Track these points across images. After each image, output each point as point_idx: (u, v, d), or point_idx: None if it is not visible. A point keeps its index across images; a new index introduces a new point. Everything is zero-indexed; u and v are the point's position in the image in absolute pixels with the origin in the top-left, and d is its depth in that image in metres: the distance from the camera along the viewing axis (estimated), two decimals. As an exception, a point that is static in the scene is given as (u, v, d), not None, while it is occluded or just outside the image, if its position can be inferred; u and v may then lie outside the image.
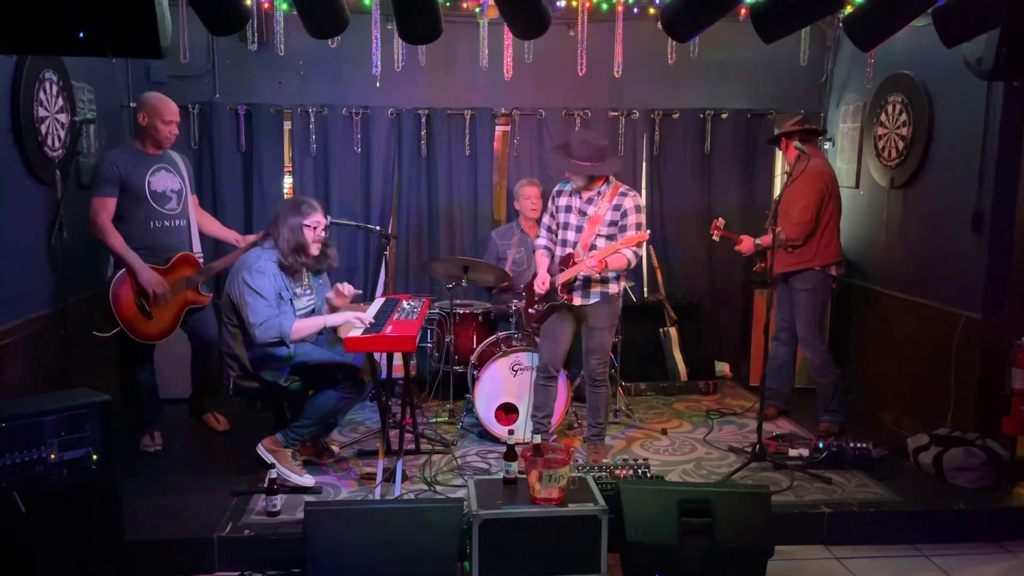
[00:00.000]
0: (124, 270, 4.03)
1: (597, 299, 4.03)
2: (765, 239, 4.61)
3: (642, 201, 4.03)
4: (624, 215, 3.95)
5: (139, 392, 4.32)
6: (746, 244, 4.73)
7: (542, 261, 4.14)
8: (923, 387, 4.60)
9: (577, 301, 4.02)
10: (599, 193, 4.00)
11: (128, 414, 4.46)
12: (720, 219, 4.77)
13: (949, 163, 4.45)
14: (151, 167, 4.15)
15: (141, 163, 4.12)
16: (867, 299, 5.17)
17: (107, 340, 4.09)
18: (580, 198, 4.04)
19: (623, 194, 3.99)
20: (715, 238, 4.81)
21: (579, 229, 4.02)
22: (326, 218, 3.88)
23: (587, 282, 4.00)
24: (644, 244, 4.36)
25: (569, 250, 4.04)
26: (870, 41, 3.63)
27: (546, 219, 4.21)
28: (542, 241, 4.20)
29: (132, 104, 5.20)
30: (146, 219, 4.12)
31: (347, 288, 3.97)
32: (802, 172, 4.46)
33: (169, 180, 4.24)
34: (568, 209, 4.07)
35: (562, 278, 3.98)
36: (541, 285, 4.03)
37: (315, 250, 3.84)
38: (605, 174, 3.98)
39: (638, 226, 3.96)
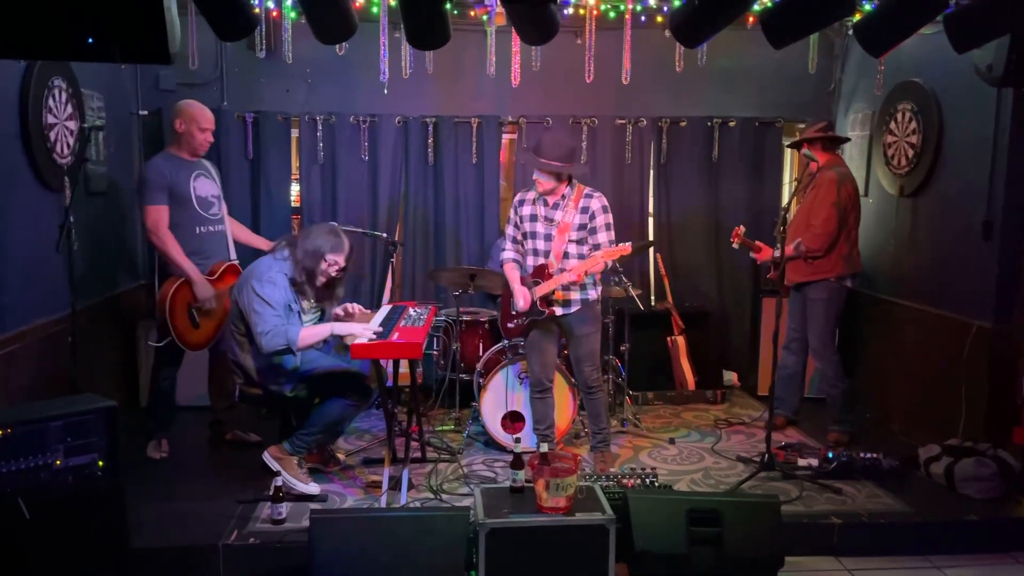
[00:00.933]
0: (180, 280, 4.05)
1: (578, 307, 3.99)
2: (788, 251, 4.57)
3: (607, 202, 3.97)
4: (592, 217, 3.91)
5: (157, 398, 4.32)
6: (765, 252, 4.68)
7: (513, 275, 4.04)
8: (933, 397, 4.56)
9: (558, 312, 3.98)
10: (563, 197, 3.95)
11: (138, 420, 4.45)
12: (741, 227, 4.75)
13: (959, 171, 4.42)
14: (192, 173, 4.19)
15: (183, 169, 4.16)
16: (877, 308, 5.14)
17: (156, 347, 4.16)
18: (545, 205, 3.98)
19: (588, 196, 3.94)
20: (735, 245, 4.77)
21: (548, 237, 3.97)
22: (346, 263, 3.85)
23: (565, 291, 3.95)
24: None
25: (541, 260, 3.99)
26: (881, 47, 3.62)
27: (510, 230, 4.13)
28: (509, 254, 4.10)
29: (142, 112, 5.23)
30: (192, 225, 4.16)
31: (355, 308, 3.96)
32: (811, 180, 4.43)
33: (210, 186, 4.29)
34: (534, 218, 4.01)
35: (540, 291, 3.93)
36: (523, 302, 3.95)
37: (319, 282, 3.81)
38: (571, 173, 3.93)
39: (607, 226, 3.91)
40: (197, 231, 4.18)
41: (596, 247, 3.89)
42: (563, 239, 3.93)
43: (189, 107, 4.20)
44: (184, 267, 4.04)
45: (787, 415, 4.94)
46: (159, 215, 4.05)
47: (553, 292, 3.93)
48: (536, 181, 3.94)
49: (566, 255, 3.94)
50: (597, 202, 3.93)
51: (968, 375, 4.24)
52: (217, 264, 4.20)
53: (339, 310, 3.96)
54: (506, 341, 4.66)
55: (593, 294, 4.02)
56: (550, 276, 3.92)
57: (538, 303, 3.95)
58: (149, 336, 4.28)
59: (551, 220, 3.96)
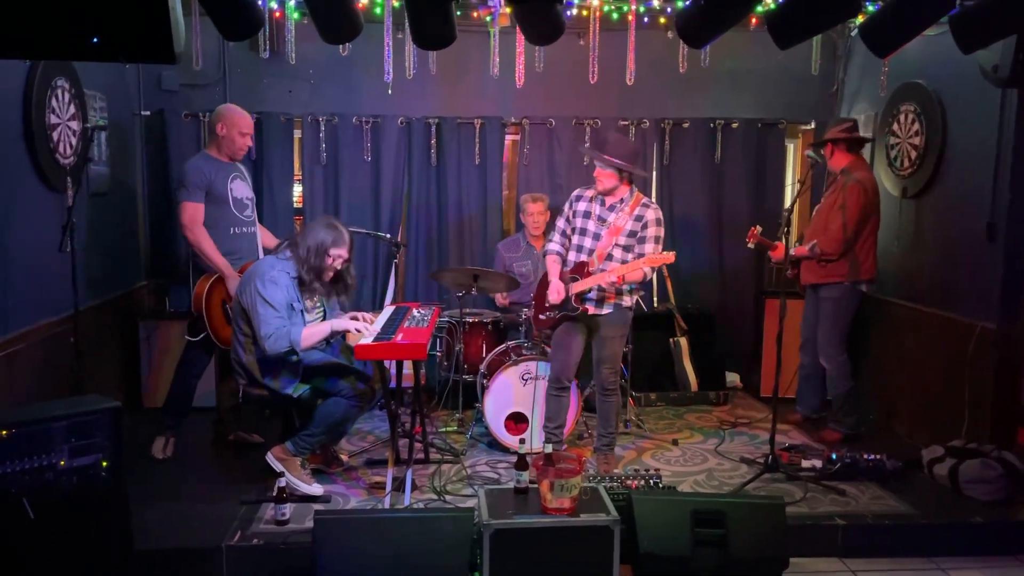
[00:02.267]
0: (215, 276, 4.11)
1: (611, 310, 4.00)
2: (800, 249, 4.58)
3: (662, 216, 3.99)
4: (645, 226, 3.92)
5: (179, 394, 4.32)
6: (780, 251, 4.68)
7: (554, 268, 4.08)
8: (937, 398, 4.55)
9: (591, 311, 4.00)
10: (621, 201, 3.97)
11: (141, 421, 4.44)
12: (758, 227, 4.75)
13: (963, 173, 4.42)
14: (230, 175, 4.24)
15: (222, 171, 4.20)
16: (881, 310, 5.13)
17: (193, 343, 4.23)
18: (602, 205, 4.01)
19: (645, 205, 3.96)
20: (750, 245, 4.79)
21: (596, 236, 3.99)
22: (349, 253, 3.85)
23: (601, 292, 3.97)
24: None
25: (584, 257, 4.01)
26: (887, 48, 3.62)
27: (561, 223, 4.16)
28: (555, 246, 4.14)
29: (145, 112, 5.23)
30: (227, 225, 4.20)
31: (364, 316, 3.97)
32: (834, 180, 4.45)
33: (245, 188, 4.35)
34: (587, 215, 4.04)
35: (577, 287, 3.95)
36: (556, 295, 3.98)
37: (328, 277, 3.81)
38: (632, 172, 3.94)
39: (656, 239, 3.93)
40: (232, 231, 4.23)
41: (641, 256, 3.89)
42: (611, 241, 3.94)
43: (231, 112, 4.23)
44: (217, 263, 4.09)
45: (806, 413, 4.95)
46: (195, 211, 4.09)
47: (589, 291, 3.93)
48: (596, 178, 3.97)
49: (610, 257, 3.94)
50: (652, 213, 3.95)
51: (972, 377, 4.23)
52: (248, 264, 4.23)
53: (347, 317, 3.94)
54: (510, 342, 4.66)
55: (628, 301, 4.03)
56: (589, 274, 3.93)
57: (572, 299, 3.95)
58: (181, 331, 4.43)
59: (604, 220, 3.98)
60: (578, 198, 4.11)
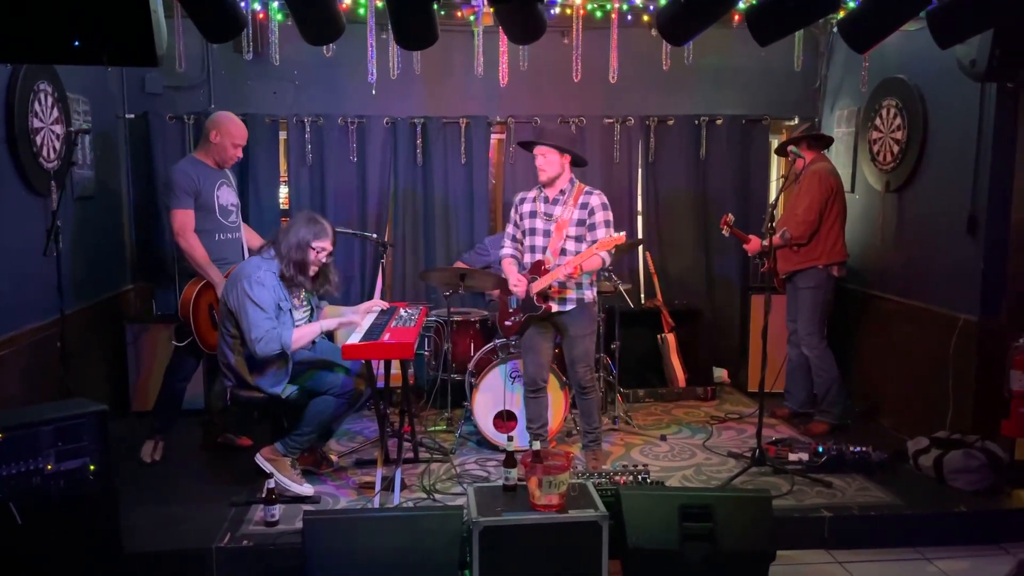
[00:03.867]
0: (203, 282, 4.10)
1: (573, 306, 4.00)
2: (774, 239, 4.64)
3: (607, 200, 4.00)
4: (592, 212, 3.94)
5: (168, 398, 4.31)
6: (754, 244, 4.78)
7: (510, 270, 4.06)
8: (922, 390, 4.60)
9: (554, 308, 4.00)
10: (563, 193, 3.99)
11: (129, 424, 4.43)
12: (729, 215, 4.82)
13: (944, 166, 4.46)
14: (217, 181, 4.23)
15: (209, 177, 4.19)
16: (864, 303, 5.18)
17: (175, 347, 4.24)
18: (545, 202, 4.02)
19: (588, 193, 3.98)
20: (724, 233, 4.88)
21: (547, 234, 4.00)
22: (333, 246, 3.86)
23: (562, 288, 3.98)
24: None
25: (539, 256, 4.01)
26: (865, 43, 3.65)
27: (509, 228, 4.17)
28: (507, 251, 4.13)
29: (129, 115, 5.21)
30: (213, 232, 4.19)
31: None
32: (801, 172, 4.53)
33: (231, 195, 4.34)
34: (533, 214, 4.05)
35: (537, 286, 3.94)
36: (515, 284, 3.95)
37: (312, 271, 3.82)
38: (572, 152, 3.96)
39: (607, 223, 3.94)
40: (217, 238, 4.21)
41: (594, 243, 3.89)
42: (561, 235, 3.95)
43: (227, 121, 4.22)
44: (208, 271, 4.09)
45: (794, 408, 5.00)
46: (186, 218, 4.08)
47: (550, 287, 3.94)
48: (539, 168, 3.98)
49: (563, 251, 3.95)
50: (597, 199, 3.96)
51: (955, 368, 4.28)
52: (233, 268, 4.21)
53: (362, 309, 3.96)
54: (497, 341, 4.67)
55: (589, 295, 4.04)
56: (546, 271, 3.94)
57: (535, 298, 3.96)
58: (169, 335, 4.45)
59: (550, 216, 3.99)
60: (522, 200, 4.12)
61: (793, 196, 4.69)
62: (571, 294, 3.98)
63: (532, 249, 4.05)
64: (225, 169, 4.33)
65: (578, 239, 3.95)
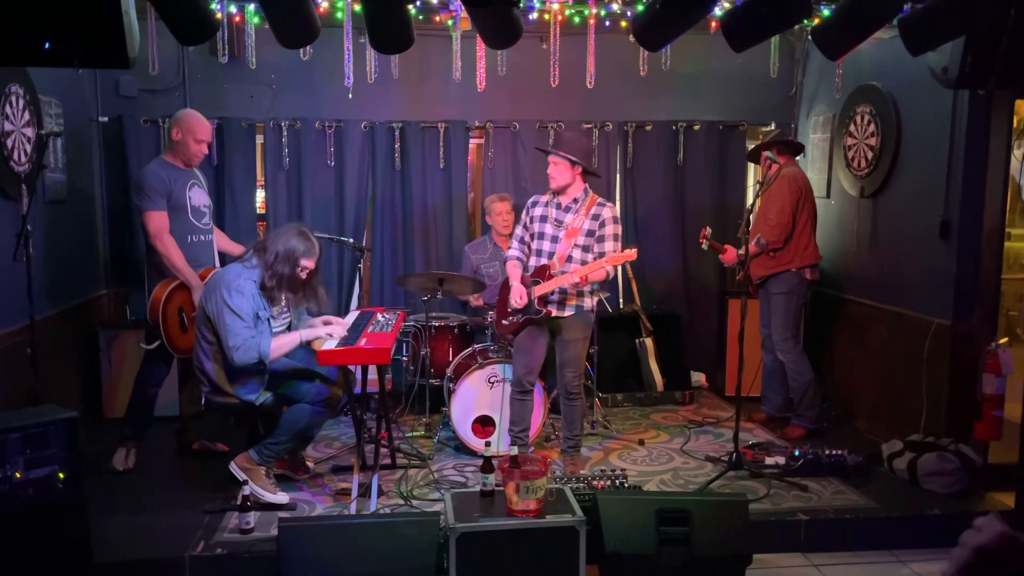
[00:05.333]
0: (174, 284, 4.04)
1: (572, 312, 4.02)
2: (751, 247, 4.67)
3: (618, 214, 4.04)
4: (603, 225, 3.96)
5: (138, 404, 4.25)
6: (730, 254, 4.81)
7: (514, 272, 4.08)
8: (896, 394, 4.64)
9: (554, 313, 4.01)
10: (576, 201, 4.00)
11: (101, 431, 4.36)
12: (707, 228, 4.85)
13: (917, 172, 4.51)
14: (188, 182, 4.19)
15: (180, 178, 4.15)
16: (839, 308, 5.22)
17: (146, 351, 4.20)
18: (558, 208, 4.04)
19: (601, 204, 4.01)
20: (703, 246, 4.91)
21: (555, 239, 4.01)
22: (316, 264, 3.80)
23: (563, 294, 3.99)
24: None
25: (544, 260, 4.03)
26: (838, 50, 3.69)
27: (519, 230, 4.18)
28: (514, 252, 4.15)
29: (102, 119, 5.15)
30: (185, 233, 4.15)
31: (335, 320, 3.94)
32: (773, 179, 4.56)
33: (203, 196, 4.30)
34: (544, 219, 4.06)
35: (539, 290, 3.96)
36: (519, 299, 3.98)
37: (291, 286, 3.73)
38: (584, 166, 3.97)
39: (615, 237, 3.96)
40: (189, 239, 4.17)
41: (602, 255, 3.91)
42: (569, 243, 3.96)
43: (188, 117, 4.18)
44: (184, 274, 4.04)
45: (771, 412, 5.03)
46: (161, 220, 4.03)
47: (552, 293, 3.95)
48: (549, 176, 4.00)
49: (570, 258, 3.96)
50: (609, 212, 3.99)
51: (929, 372, 4.32)
52: (205, 271, 4.18)
53: (320, 322, 3.91)
54: (476, 346, 4.66)
55: (588, 302, 4.05)
56: (551, 277, 3.94)
57: (535, 302, 3.96)
58: (140, 339, 4.37)
59: (561, 223, 4.01)
60: (534, 204, 4.14)
61: (764, 201, 4.73)
62: (572, 301, 4.00)
63: (539, 253, 4.07)
64: (195, 169, 4.28)
65: (585, 248, 3.97)
